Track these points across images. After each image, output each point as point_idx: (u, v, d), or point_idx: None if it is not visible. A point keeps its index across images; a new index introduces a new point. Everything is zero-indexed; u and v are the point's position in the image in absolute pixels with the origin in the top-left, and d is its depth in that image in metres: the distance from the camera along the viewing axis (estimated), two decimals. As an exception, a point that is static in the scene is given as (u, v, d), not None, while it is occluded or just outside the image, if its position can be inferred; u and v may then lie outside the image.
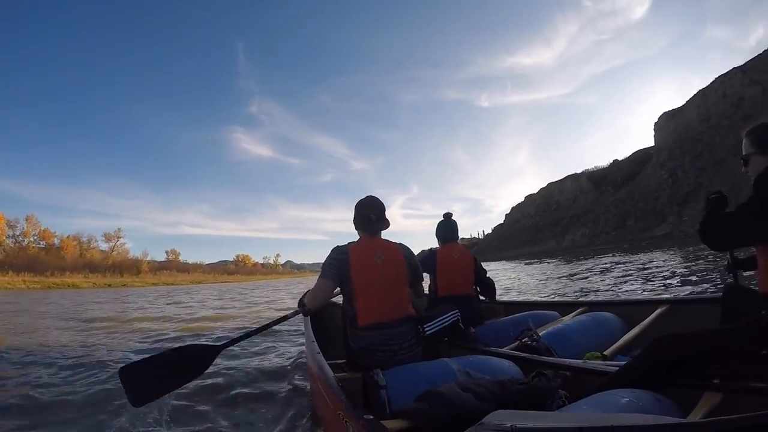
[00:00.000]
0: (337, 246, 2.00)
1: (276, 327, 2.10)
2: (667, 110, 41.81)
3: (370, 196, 2.10)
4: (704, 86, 35.12)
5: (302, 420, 2.34)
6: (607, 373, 1.51)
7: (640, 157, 50.44)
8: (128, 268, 61.41)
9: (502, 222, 72.13)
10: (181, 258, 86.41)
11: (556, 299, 6.08)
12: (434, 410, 1.30)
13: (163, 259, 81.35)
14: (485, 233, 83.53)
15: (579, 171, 68.58)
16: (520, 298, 5.38)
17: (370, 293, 1.90)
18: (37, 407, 2.72)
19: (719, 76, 33.55)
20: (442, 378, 1.61)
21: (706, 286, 5.98)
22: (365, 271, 1.91)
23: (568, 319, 2.68)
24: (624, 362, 1.59)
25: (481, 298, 2.99)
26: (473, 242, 77.34)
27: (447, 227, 2.96)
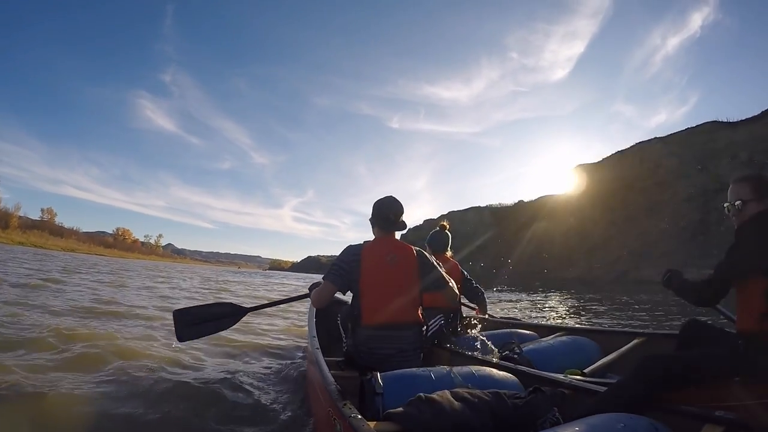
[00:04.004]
0: (351, 246, 2.05)
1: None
2: (582, 163, 44.71)
3: (390, 196, 2.14)
4: (623, 148, 37.91)
5: (296, 411, 2.35)
6: None
7: (548, 202, 53.71)
8: (-4, 219, 51.35)
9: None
10: (57, 220, 78.88)
11: (535, 321, 5.84)
12: (422, 416, 1.25)
13: (37, 218, 73.57)
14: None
15: (481, 205, 70.55)
16: (500, 316, 5.15)
17: (378, 293, 1.93)
18: None
19: (639, 142, 36.47)
20: (442, 387, 1.48)
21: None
22: (376, 270, 1.95)
23: (547, 340, 2.73)
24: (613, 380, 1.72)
25: (471, 305, 3.47)
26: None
27: (441, 238, 3.14)
